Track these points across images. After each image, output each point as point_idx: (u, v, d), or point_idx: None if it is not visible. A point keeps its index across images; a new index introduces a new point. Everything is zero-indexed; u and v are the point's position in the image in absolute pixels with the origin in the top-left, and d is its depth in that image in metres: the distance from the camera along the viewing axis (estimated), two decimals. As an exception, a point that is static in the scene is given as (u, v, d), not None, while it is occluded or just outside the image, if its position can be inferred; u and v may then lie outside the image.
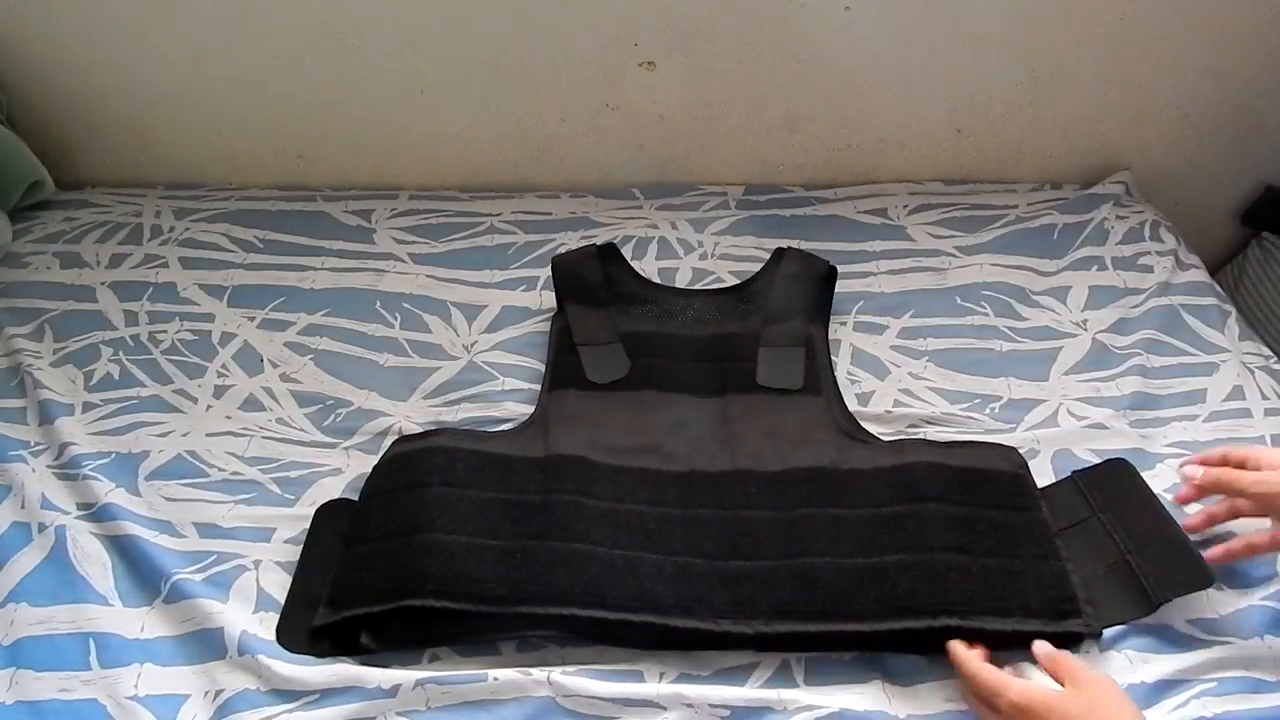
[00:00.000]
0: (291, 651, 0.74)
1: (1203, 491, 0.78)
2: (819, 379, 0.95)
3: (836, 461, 0.85)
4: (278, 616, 0.77)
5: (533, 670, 0.71)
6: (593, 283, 1.04)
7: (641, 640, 0.74)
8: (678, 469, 0.85)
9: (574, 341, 0.99)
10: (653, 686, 0.71)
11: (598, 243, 1.09)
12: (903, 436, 0.91)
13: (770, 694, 0.71)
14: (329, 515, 0.84)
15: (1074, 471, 0.86)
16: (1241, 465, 0.76)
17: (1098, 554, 0.78)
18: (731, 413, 0.91)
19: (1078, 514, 0.81)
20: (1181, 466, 0.79)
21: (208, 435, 0.93)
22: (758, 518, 0.80)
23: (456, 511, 0.78)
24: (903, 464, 0.83)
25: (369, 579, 0.75)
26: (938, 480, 0.81)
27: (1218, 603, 0.76)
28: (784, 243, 1.14)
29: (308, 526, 0.83)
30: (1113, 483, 0.83)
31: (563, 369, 0.96)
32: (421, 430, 0.92)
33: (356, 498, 0.85)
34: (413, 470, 0.83)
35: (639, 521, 0.79)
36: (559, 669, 0.72)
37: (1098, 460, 0.87)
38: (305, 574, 0.79)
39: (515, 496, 0.81)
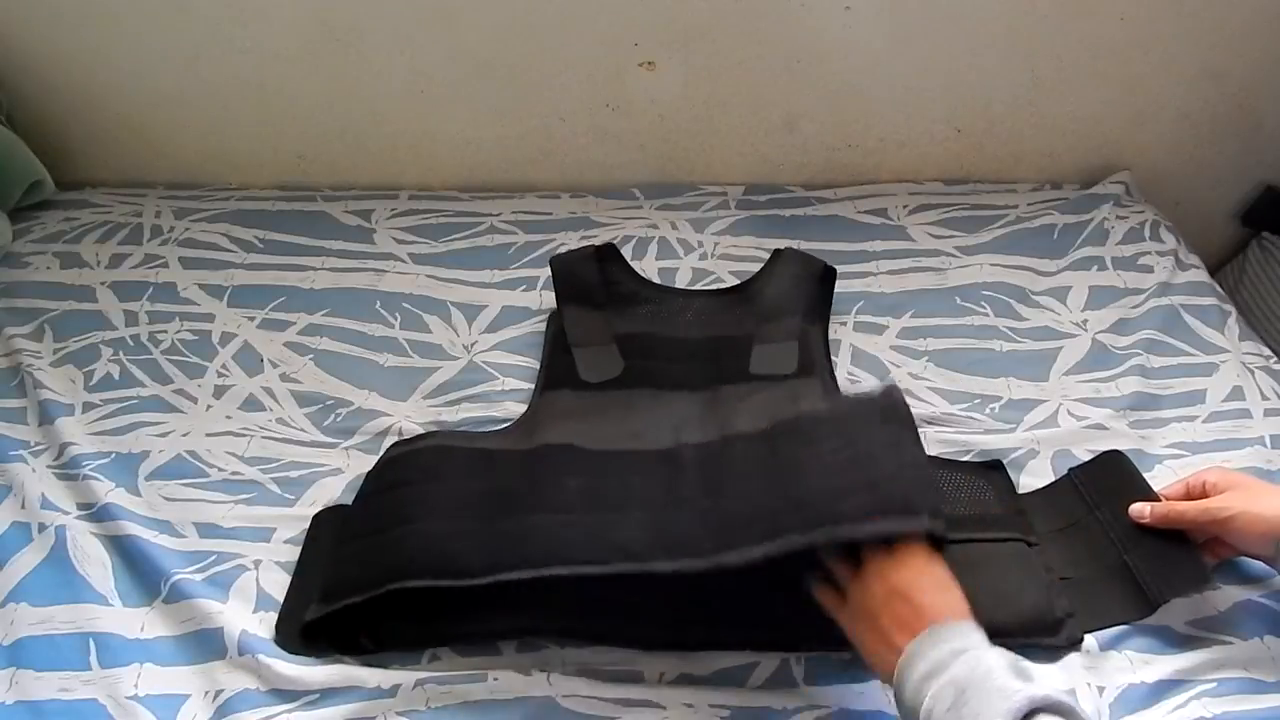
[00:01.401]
0: (290, 652, 0.74)
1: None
2: (813, 365, 0.95)
3: (820, 409, 0.79)
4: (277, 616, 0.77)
5: (533, 671, 0.71)
6: (589, 283, 1.03)
7: (642, 639, 0.74)
8: (662, 445, 0.82)
9: (568, 343, 0.99)
10: (653, 687, 0.71)
11: (597, 243, 1.09)
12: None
13: (770, 695, 0.71)
14: (326, 520, 0.84)
15: (1070, 469, 0.86)
16: (1201, 491, 0.76)
17: (1095, 555, 0.78)
18: (722, 397, 0.91)
19: (1075, 514, 0.81)
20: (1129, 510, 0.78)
21: (208, 435, 0.93)
22: (743, 469, 0.75)
23: (440, 504, 0.78)
24: (897, 401, 0.76)
25: (357, 572, 0.75)
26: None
27: (1218, 603, 0.76)
28: (784, 243, 1.14)
29: (307, 527, 0.83)
30: (1107, 477, 0.83)
31: (556, 369, 0.96)
32: (421, 430, 0.92)
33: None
34: (401, 470, 0.83)
35: (620, 489, 0.77)
36: (559, 670, 0.72)
37: (1097, 461, 0.88)
38: (303, 576, 0.80)
39: (500, 485, 0.80)
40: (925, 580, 0.64)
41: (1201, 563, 0.74)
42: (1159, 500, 0.78)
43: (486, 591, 0.71)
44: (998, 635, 0.71)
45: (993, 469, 0.87)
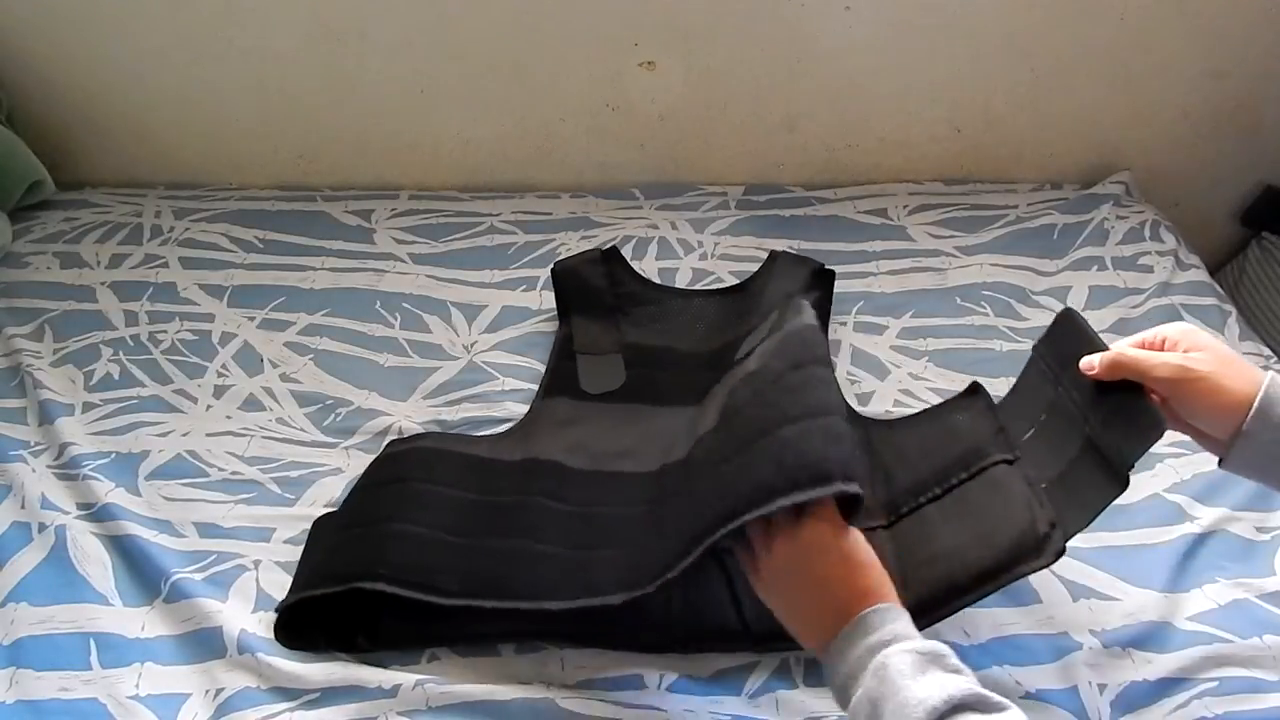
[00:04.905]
0: (285, 646, 0.74)
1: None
2: None
3: (745, 368, 0.80)
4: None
5: (532, 672, 0.72)
6: (597, 289, 1.03)
7: (641, 642, 0.74)
8: (651, 468, 0.83)
9: (573, 349, 0.98)
10: (652, 689, 0.71)
11: (598, 243, 1.08)
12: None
13: (768, 699, 0.71)
14: (325, 523, 0.83)
15: (1034, 344, 0.80)
16: (1159, 347, 0.67)
17: (1067, 439, 0.72)
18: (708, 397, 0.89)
19: (1044, 396, 0.76)
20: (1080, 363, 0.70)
21: (208, 435, 0.93)
22: (698, 480, 0.75)
23: (429, 506, 0.79)
24: (805, 333, 0.77)
25: (334, 563, 0.76)
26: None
27: (1219, 602, 0.76)
28: (784, 243, 1.14)
29: (308, 528, 0.83)
30: (1064, 342, 0.76)
31: (558, 376, 0.96)
32: (421, 431, 0.92)
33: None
34: (395, 467, 0.84)
35: (603, 522, 0.79)
36: (559, 671, 0.72)
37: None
38: (300, 577, 0.79)
39: (488, 498, 0.81)
40: (830, 562, 0.60)
41: (1155, 410, 0.66)
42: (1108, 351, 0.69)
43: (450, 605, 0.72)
44: (983, 579, 0.69)
45: (972, 394, 0.86)
